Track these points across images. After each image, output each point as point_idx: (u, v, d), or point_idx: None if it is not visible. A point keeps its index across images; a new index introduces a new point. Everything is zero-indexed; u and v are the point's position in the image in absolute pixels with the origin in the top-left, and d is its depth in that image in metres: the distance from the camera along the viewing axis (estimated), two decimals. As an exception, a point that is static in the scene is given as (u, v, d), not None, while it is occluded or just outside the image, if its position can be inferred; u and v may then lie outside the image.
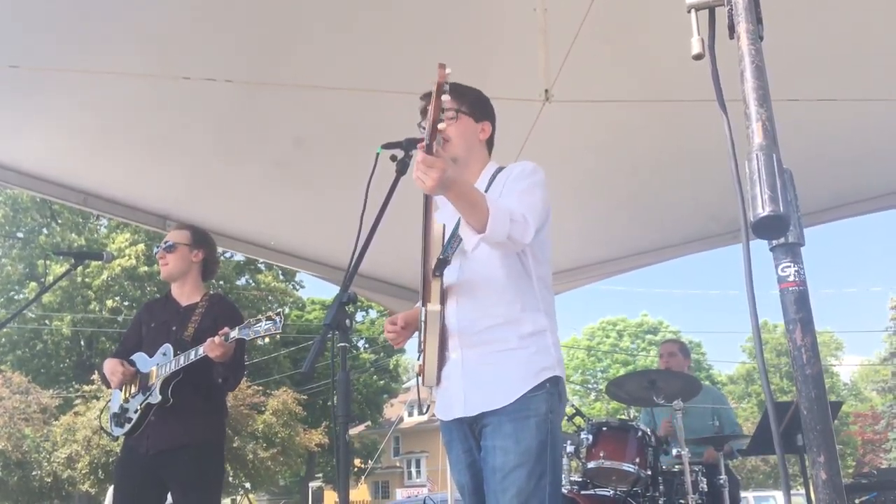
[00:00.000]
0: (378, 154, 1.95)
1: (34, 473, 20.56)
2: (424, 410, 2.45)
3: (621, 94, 3.69)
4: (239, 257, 28.68)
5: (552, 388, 2.19)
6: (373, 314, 36.26)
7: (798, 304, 0.87)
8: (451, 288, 2.22)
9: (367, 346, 35.88)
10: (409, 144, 2.02)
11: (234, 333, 3.02)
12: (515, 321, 2.21)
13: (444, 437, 2.39)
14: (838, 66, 3.54)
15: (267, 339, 3.04)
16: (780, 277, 0.89)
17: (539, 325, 2.23)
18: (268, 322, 2.98)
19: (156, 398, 3.20)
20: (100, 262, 21.81)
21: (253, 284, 30.20)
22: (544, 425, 2.14)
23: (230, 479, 23.59)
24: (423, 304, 2.19)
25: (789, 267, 0.89)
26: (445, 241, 2.16)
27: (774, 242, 0.93)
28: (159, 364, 3.27)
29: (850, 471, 38.17)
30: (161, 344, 3.32)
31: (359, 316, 36.49)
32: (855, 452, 36.72)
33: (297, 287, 32.77)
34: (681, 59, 3.84)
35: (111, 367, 3.33)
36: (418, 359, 2.31)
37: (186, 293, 3.49)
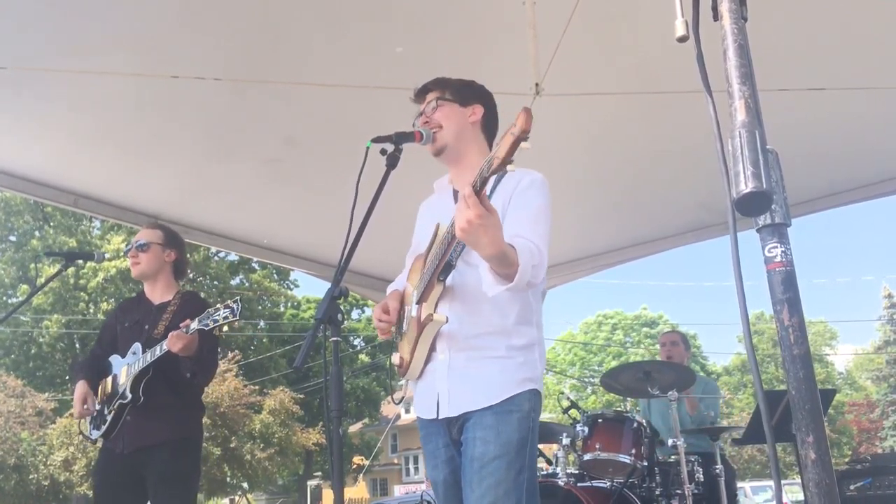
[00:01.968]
0: (368, 148, 1.94)
1: (31, 477, 20.49)
2: (398, 402, 2.42)
3: (612, 87, 3.69)
4: (233, 257, 28.67)
5: (534, 394, 2.20)
6: (369, 312, 36.19)
7: (785, 285, 0.87)
8: (446, 290, 2.20)
9: (363, 344, 35.86)
10: (398, 138, 2.01)
11: (194, 325, 2.98)
12: (507, 332, 2.20)
13: (422, 432, 2.36)
14: (827, 55, 3.55)
15: (225, 328, 2.95)
16: (766, 258, 0.89)
17: (530, 339, 2.23)
18: (225, 310, 2.94)
19: (126, 398, 3.18)
20: (93, 264, 21.86)
21: (247, 284, 30.15)
22: (526, 422, 2.14)
23: (228, 478, 23.58)
24: (419, 302, 2.18)
25: (776, 247, 0.89)
26: (446, 244, 2.10)
27: (761, 223, 0.93)
28: (129, 364, 3.25)
29: (846, 460, 38.35)
30: (133, 343, 3.30)
31: (354, 314, 36.45)
32: (851, 441, 36.88)
33: (292, 286, 32.76)
34: (670, 50, 3.84)
35: (77, 398, 3.31)
36: (396, 348, 2.30)
37: (159, 292, 3.47)
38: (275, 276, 31.03)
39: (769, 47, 3.50)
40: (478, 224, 1.74)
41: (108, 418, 3.24)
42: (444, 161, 2.38)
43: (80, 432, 3.51)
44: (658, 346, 5.56)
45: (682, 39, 1.09)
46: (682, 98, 3.76)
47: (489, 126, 2.44)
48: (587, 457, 3.80)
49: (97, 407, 3.33)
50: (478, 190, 1.74)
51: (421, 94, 2.42)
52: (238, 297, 3.05)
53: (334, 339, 1.74)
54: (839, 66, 3.61)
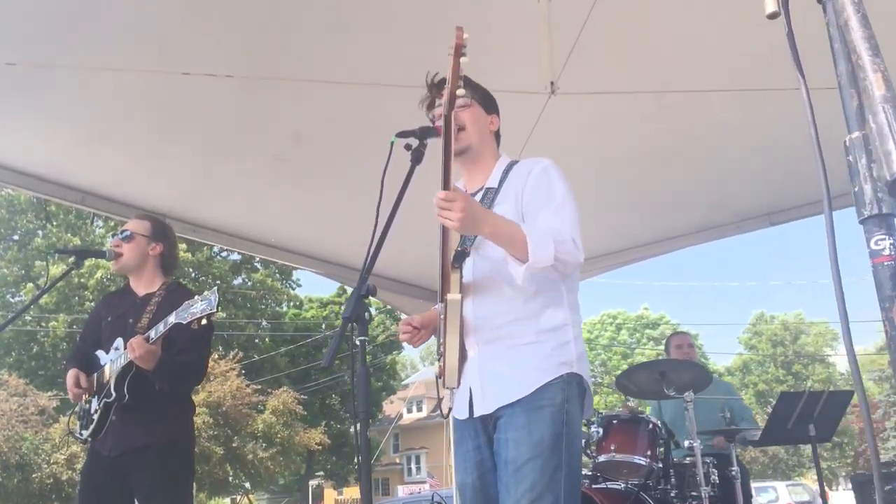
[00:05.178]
0: (392, 143, 1.89)
1: (34, 476, 20.44)
2: (446, 415, 2.39)
3: (627, 86, 3.65)
4: (235, 256, 28.68)
5: (569, 379, 2.13)
6: (372, 311, 36.06)
7: (895, 280, 0.82)
8: (468, 284, 2.16)
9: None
10: (423, 133, 1.97)
11: (172, 318, 2.82)
12: (534, 317, 2.16)
13: (455, 434, 2.33)
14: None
15: (204, 321, 2.77)
16: (872, 251, 0.83)
17: (559, 321, 2.18)
18: (202, 303, 2.76)
19: (111, 396, 3.03)
20: (92, 261, 21.73)
21: (249, 284, 30.14)
22: (559, 416, 2.07)
23: (230, 478, 23.58)
24: (443, 298, 2.14)
25: (884, 240, 0.83)
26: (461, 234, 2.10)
27: (866, 213, 0.87)
28: (112, 360, 3.09)
29: (849, 461, 38.29)
30: (116, 338, 3.13)
31: (357, 314, 36.29)
32: (853, 442, 36.79)
33: (294, 286, 32.74)
34: (686, 49, 3.81)
35: (70, 381, 3.17)
36: (438, 360, 2.26)
37: (144, 283, 3.30)
38: (277, 275, 31.01)
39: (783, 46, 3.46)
40: (468, 218, 1.85)
41: (95, 417, 3.09)
42: (462, 161, 2.34)
43: (70, 432, 3.38)
44: (665, 348, 5.51)
45: (773, 16, 1.02)
46: (696, 97, 3.74)
47: (499, 137, 2.48)
48: (602, 458, 3.75)
49: (85, 406, 3.20)
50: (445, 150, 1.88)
51: (442, 87, 2.37)
52: (216, 288, 2.89)
53: (361, 338, 1.70)
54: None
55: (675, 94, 3.73)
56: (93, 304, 24.42)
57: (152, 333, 2.88)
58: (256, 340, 29.64)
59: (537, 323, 2.15)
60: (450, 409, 2.39)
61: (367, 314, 1.68)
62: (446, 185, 1.87)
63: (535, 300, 2.16)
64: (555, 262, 1.96)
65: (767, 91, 3.71)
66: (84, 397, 3.23)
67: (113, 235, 3.42)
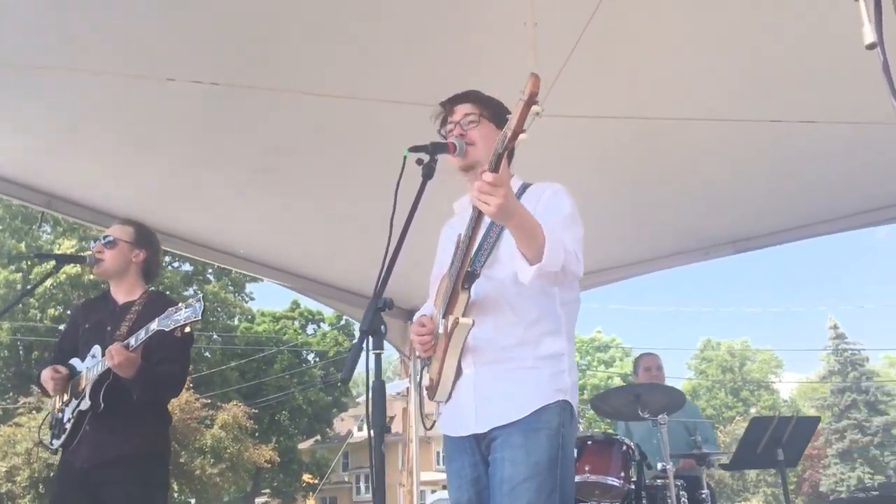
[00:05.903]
0: (405, 158, 1.89)
1: (-30, 489, 19.72)
2: (429, 427, 2.37)
3: (612, 111, 3.70)
4: (186, 267, 28.19)
5: (564, 406, 2.16)
6: (325, 327, 35.89)
7: None
8: (469, 305, 2.16)
9: (317, 359, 35.46)
10: (434, 148, 1.97)
11: (154, 325, 2.77)
12: (534, 343, 2.17)
13: (447, 451, 2.32)
14: (820, 88, 3.60)
15: (187, 329, 2.75)
16: None
17: (556, 349, 2.20)
18: (187, 310, 2.72)
19: (86, 404, 2.93)
20: (40, 269, 21.04)
21: (201, 295, 29.60)
22: (556, 439, 2.09)
23: (175, 494, 23.00)
24: (444, 316, 2.13)
25: None
26: (473, 253, 2.09)
27: None
28: (88, 367, 3.01)
29: (792, 487, 39.15)
30: (93, 345, 3.05)
31: (310, 329, 36.04)
32: (795, 468, 37.61)
33: (247, 299, 32.27)
34: (671, 76, 3.86)
35: (45, 374, 3.08)
36: (426, 370, 2.24)
37: (124, 291, 3.24)
38: (230, 287, 30.55)
39: (764, 78, 3.57)
40: (505, 207, 1.80)
41: (68, 427, 3.00)
42: (470, 178, 2.31)
43: (40, 441, 3.25)
44: (633, 368, 5.57)
45: (872, 46, 1.03)
46: (680, 124, 3.81)
47: (512, 154, 2.45)
48: (576, 479, 3.75)
49: (57, 415, 3.10)
50: (494, 170, 1.80)
51: (453, 104, 2.38)
52: (201, 296, 2.87)
53: (377, 351, 1.68)
54: (829, 99, 3.67)
55: (657, 121, 3.79)
56: (38, 311, 23.75)
57: (132, 341, 2.81)
58: (206, 353, 29.09)
59: (536, 349, 2.17)
60: (433, 423, 2.38)
61: (383, 327, 1.67)
62: (498, 160, 1.84)
63: (536, 327, 2.18)
64: (561, 270, 1.96)
65: (744, 122, 3.82)
66: (58, 404, 3.13)
67: (95, 241, 3.34)
